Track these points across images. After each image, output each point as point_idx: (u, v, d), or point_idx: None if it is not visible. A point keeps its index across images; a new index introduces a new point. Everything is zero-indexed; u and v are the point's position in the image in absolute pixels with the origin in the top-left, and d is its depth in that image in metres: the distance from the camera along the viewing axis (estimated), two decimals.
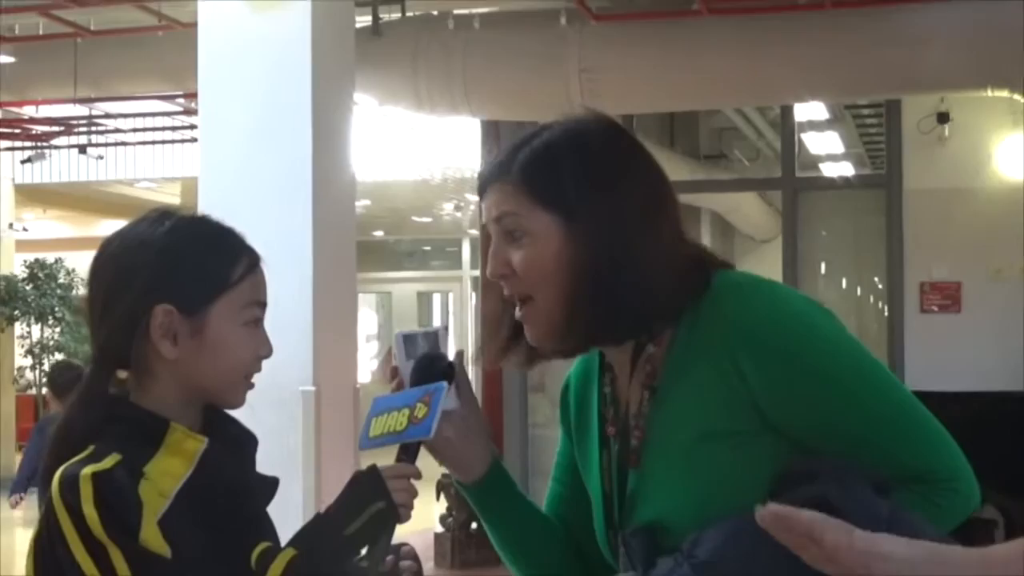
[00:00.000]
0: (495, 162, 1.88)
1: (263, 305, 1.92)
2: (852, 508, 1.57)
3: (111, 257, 1.90)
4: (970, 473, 1.76)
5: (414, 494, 1.84)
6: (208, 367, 1.87)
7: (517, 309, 1.86)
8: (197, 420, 1.90)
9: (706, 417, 1.77)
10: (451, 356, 1.93)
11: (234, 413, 1.96)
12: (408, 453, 1.86)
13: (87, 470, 1.74)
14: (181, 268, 1.87)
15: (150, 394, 1.87)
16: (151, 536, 1.74)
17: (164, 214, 1.95)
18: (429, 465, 1.99)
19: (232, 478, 1.88)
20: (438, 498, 9.16)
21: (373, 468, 1.84)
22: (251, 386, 1.92)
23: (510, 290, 1.86)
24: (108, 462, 1.76)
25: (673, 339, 1.83)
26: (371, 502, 1.82)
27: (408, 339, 1.93)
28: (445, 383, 1.86)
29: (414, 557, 1.91)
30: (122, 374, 1.89)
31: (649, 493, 1.82)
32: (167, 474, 1.81)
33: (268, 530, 1.92)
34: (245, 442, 1.96)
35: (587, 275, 1.78)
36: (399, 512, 1.82)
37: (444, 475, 9.13)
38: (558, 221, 1.81)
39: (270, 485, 1.96)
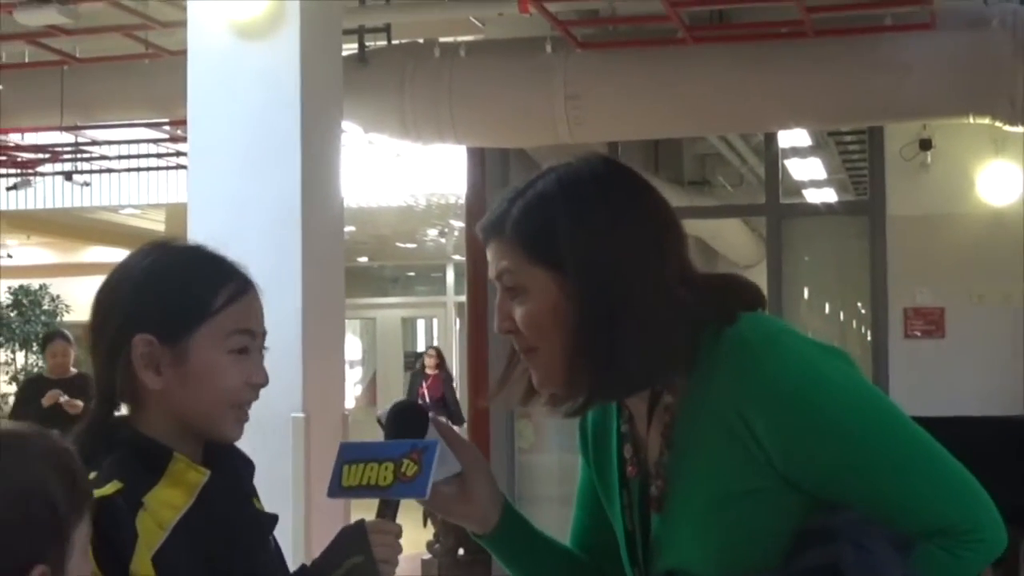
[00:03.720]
0: (492, 216, 1.83)
1: (252, 333, 1.87)
2: (862, 573, 1.59)
3: (102, 290, 1.90)
4: (993, 518, 1.72)
5: (398, 551, 1.83)
6: (194, 396, 1.84)
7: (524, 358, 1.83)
8: (198, 452, 1.87)
9: (723, 479, 1.74)
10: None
11: None
12: (390, 507, 1.84)
13: None
14: (160, 297, 1.85)
15: (145, 426, 1.85)
16: (143, 570, 1.72)
17: (156, 245, 1.94)
18: None
19: (230, 513, 1.86)
20: (425, 524, 9.19)
21: (360, 523, 1.83)
22: (244, 417, 1.89)
23: (516, 344, 1.83)
24: (109, 488, 1.74)
25: (687, 390, 1.78)
26: (351, 555, 1.80)
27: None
28: (439, 440, 1.82)
29: None
30: (123, 408, 1.88)
31: (672, 540, 1.80)
32: (167, 505, 1.79)
33: (265, 569, 1.91)
34: (242, 468, 1.94)
35: (585, 331, 1.74)
36: (379, 568, 1.80)
37: None
38: (553, 276, 1.76)
39: (268, 521, 1.95)
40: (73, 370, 8.82)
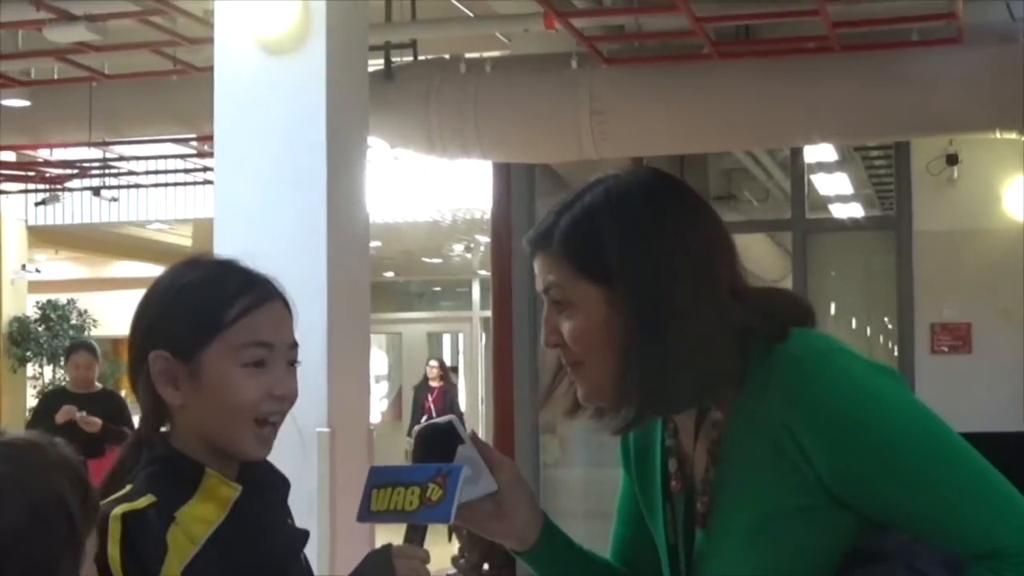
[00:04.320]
0: (539, 229, 1.80)
1: (268, 345, 1.86)
2: None
3: (135, 309, 1.92)
4: None
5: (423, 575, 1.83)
6: (211, 411, 1.84)
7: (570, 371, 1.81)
8: (232, 467, 1.88)
9: (771, 495, 1.71)
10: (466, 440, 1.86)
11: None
12: (417, 532, 1.84)
13: (118, 509, 1.75)
14: (175, 313, 1.86)
15: (177, 442, 1.86)
16: None
17: (186, 262, 1.95)
18: None
19: (262, 529, 1.86)
20: (450, 539, 9.19)
21: (386, 547, 1.84)
22: (268, 434, 1.87)
23: (563, 358, 1.81)
24: (142, 502, 1.76)
25: (735, 406, 1.76)
26: None
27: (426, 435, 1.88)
28: (463, 464, 1.80)
29: None
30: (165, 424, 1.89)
31: (716, 556, 1.77)
32: (199, 520, 1.80)
33: None
34: (278, 486, 1.94)
35: (634, 346, 1.71)
36: None
37: None
38: (602, 290, 1.73)
39: (300, 537, 1.96)
40: (98, 385, 8.51)
